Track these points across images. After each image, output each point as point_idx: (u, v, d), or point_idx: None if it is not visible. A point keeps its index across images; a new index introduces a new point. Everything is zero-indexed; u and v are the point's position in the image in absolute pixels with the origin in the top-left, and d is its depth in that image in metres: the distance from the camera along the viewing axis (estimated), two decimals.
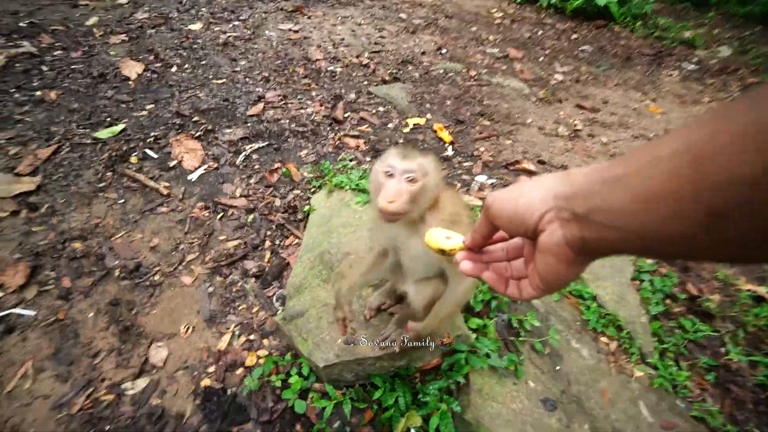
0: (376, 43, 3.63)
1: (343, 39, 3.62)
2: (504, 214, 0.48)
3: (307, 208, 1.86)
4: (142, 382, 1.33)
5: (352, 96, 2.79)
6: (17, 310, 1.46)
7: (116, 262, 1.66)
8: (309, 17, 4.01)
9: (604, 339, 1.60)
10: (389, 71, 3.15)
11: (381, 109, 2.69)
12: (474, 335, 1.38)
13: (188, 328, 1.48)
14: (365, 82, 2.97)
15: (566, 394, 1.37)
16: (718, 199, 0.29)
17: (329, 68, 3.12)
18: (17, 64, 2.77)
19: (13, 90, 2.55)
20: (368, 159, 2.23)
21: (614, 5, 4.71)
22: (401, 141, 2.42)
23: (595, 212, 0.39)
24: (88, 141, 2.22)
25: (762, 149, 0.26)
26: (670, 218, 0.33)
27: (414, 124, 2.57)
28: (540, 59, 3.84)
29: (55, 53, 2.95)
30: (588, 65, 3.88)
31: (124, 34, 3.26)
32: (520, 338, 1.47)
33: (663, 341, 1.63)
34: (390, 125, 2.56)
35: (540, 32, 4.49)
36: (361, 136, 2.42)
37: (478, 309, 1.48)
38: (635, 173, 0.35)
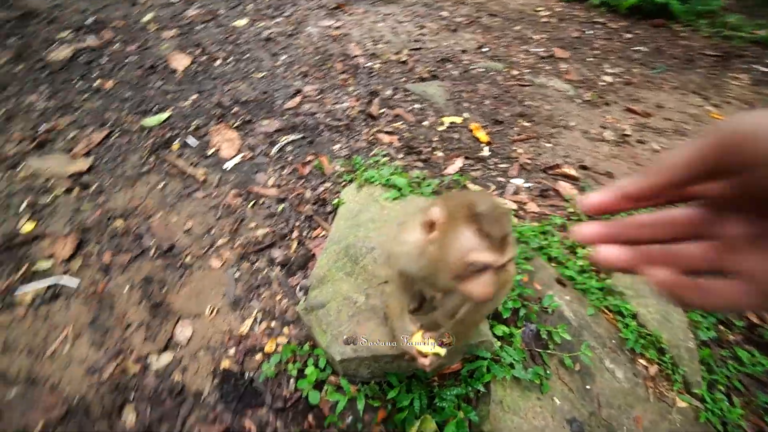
0: (415, 41, 3.59)
1: (382, 36, 3.61)
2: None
3: (336, 201, 1.86)
4: (166, 358, 1.38)
5: (389, 92, 2.77)
6: (64, 279, 1.56)
7: (152, 242, 1.74)
8: (350, 14, 4.04)
9: (642, 361, 1.46)
10: (427, 69, 3.10)
11: (417, 106, 2.65)
12: (498, 343, 1.31)
13: (213, 310, 1.51)
14: (403, 79, 2.94)
15: (595, 417, 1.27)
16: None
17: (367, 64, 3.12)
18: (81, 57, 3.00)
19: (76, 79, 2.76)
20: (401, 156, 2.20)
21: (676, 2, 4.36)
22: (436, 139, 2.36)
23: None
24: (136, 128, 2.36)
25: None
26: None
27: (450, 123, 2.51)
28: (588, 60, 3.63)
29: (114, 47, 3.16)
30: (641, 67, 3.62)
31: (176, 29, 3.44)
32: (549, 351, 1.38)
33: (713, 371, 1.46)
34: (425, 123, 2.51)
35: (589, 31, 4.25)
36: (395, 132, 2.39)
37: (506, 316, 1.41)
38: None
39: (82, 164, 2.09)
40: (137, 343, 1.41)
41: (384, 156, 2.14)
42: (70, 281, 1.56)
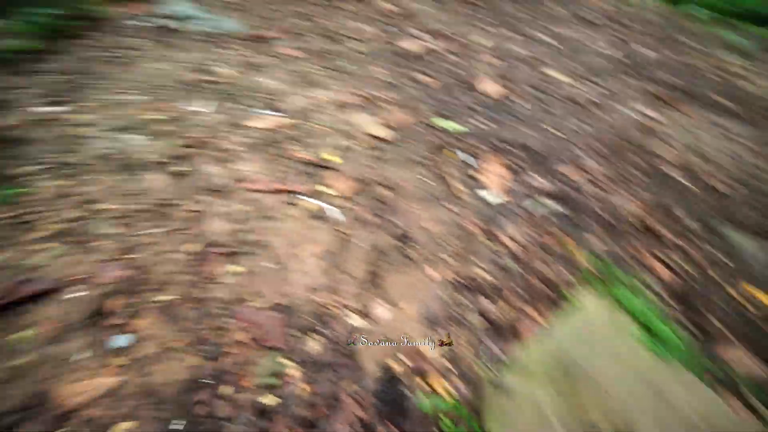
0: (749, 173, 2.81)
1: (704, 149, 2.99)
2: None
3: (569, 296, 1.65)
4: (358, 321, 1.55)
5: (687, 218, 2.27)
6: (333, 210, 1.95)
7: (394, 221, 1.97)
8: (674, 110, 3.51)
9: None
10: (755, 216, 2.38)
11: (719, 255, 2.07)
12: None
13: (409, 311, 1.60)
14: (713, 213, 2.35)
15: None
16: None
17: (670, 172, 2.64)
18: (422, 53, 3.67)
19: (409, 68, 3.40)
20: (669, 299, 1.77)
21: None
22: (729, 311, 1.79)
23: None
24: (431, 124, 2.72)
25: None
26: None
27: (761, 302, 1.85)
28: None
29: (444, 54, 3.73)
30: None
31: (499, 60, 3.77)
32: None
33: None
34: (722, 282, 1.93)
35: None
36: (674, 270, 1.93)
37: None
38: None
39: (384, 132, 2.56)
40: (346, 293, 1.63)
41: (647, 287, 1.76)
42: (337, 214, 1.94)
